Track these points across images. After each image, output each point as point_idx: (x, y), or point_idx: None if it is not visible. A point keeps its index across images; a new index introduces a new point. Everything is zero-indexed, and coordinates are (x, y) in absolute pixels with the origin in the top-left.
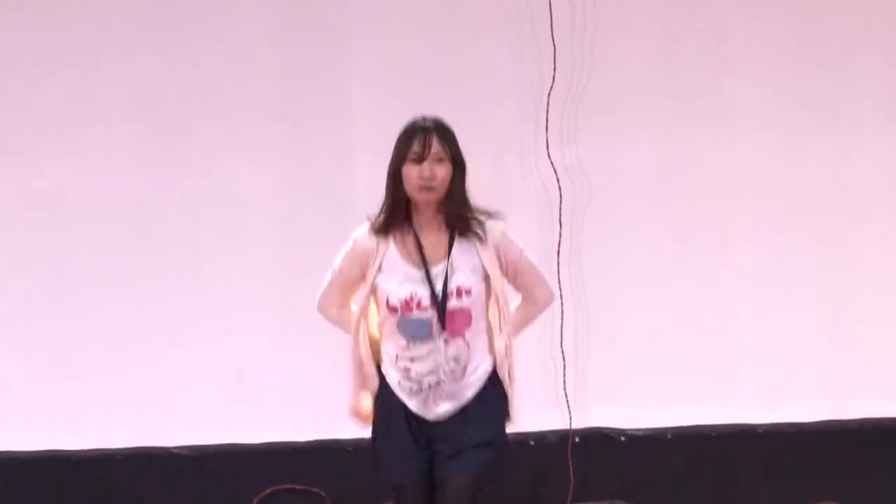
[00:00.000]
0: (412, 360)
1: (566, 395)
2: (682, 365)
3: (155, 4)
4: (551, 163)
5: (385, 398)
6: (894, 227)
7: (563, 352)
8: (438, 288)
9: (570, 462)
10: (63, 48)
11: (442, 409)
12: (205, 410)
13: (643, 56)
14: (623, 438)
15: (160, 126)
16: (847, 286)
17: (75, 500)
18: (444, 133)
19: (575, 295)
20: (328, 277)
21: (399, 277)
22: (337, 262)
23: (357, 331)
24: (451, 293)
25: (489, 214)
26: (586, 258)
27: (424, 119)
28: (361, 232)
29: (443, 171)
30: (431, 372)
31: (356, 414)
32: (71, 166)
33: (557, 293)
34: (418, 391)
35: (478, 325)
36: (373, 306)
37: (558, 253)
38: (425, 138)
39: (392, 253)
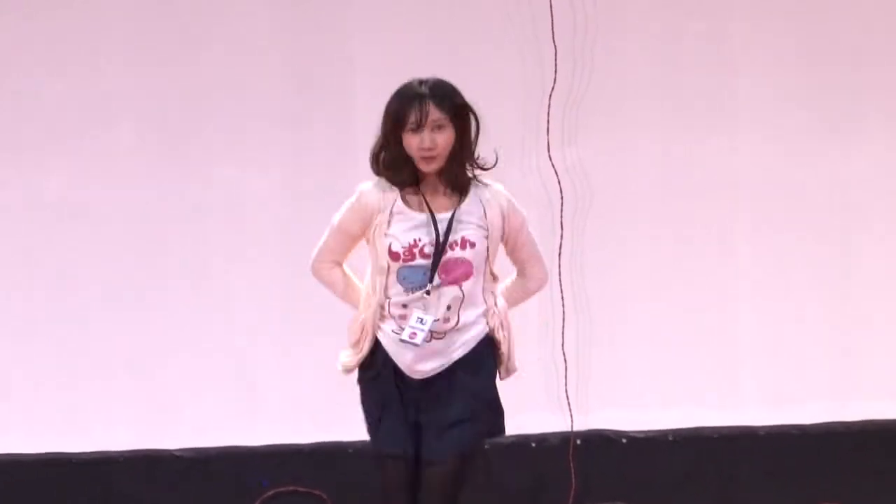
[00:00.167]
0: (405, 306)
1: (567, 397)
2: (684, 366)
3: (155, 6)
4: (552, 164)
5: (378, 365)
6: None
7: (564, 354)
8: (441, 234)
9: (571, 464)
10: (64, 52)
11: (429, 365)
12: (207, 413)
13: (644, 57)
14: (624, 440)
15: (162, 129)
16: (849, 287)
17: (77, 502)
18: (441, 97)
19: (576, 296)
20: (325, 235)
21: (405, 225)
22: (337, 217)
23: (349, 288)
24: (456, 242)
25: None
26: (587, 259)
27: (420, 83)
28: (368, 186)
29: (443, 138)
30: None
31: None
32: (73, 170)
33: (554, 278)
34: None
35: (477, 280)
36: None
37: (559, 254)
38: (422, 106)
39: (399, 204)
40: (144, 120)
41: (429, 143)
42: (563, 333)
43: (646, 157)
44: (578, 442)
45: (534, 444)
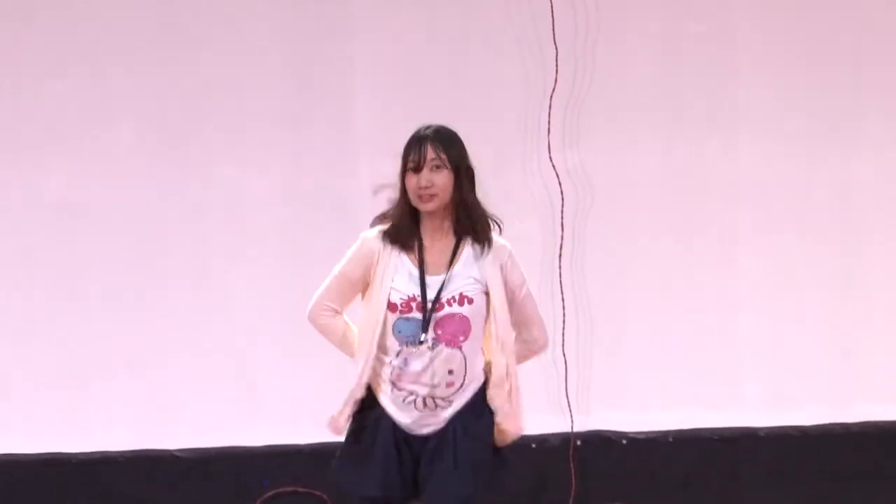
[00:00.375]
0: (405, 361)
1: (568, 398)
2: (684, 368)
3: (155, 6)
4: (553, 166)
5: (374, 413)
6: None
7: (564, 355)
8: (432, 293)
9: (571, 465)
10: (64, 52)
11: (430, 422)
12: (207, 413)
13: (645, 59)
14: (625, 442)
15: (162, 129)
16: (851, 290)
17: (77, 502)
18: (441, 140)
19: (577, 298)
20: (326, 281)
21: (405, 277)
22: (340, 265)
23: (347, 336)
24: (452, 299)
25: (497, 224)
26: (588, 261)
27: (426, 128)
28: (372, 233)
29: (441, 179)
30: (420, 376)
31: (335, 425)
32: (73, 170)
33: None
34: (411, 402)
35: (476, 338)
36: (364, 315)
37: (560, 256)
38: (421, 146)
39: (399, 254)
40: (144, 120)
41: (425, 182)
42: (563, 334)
43: (647, 159)
44: (579, 443)
45: (534, 445)
